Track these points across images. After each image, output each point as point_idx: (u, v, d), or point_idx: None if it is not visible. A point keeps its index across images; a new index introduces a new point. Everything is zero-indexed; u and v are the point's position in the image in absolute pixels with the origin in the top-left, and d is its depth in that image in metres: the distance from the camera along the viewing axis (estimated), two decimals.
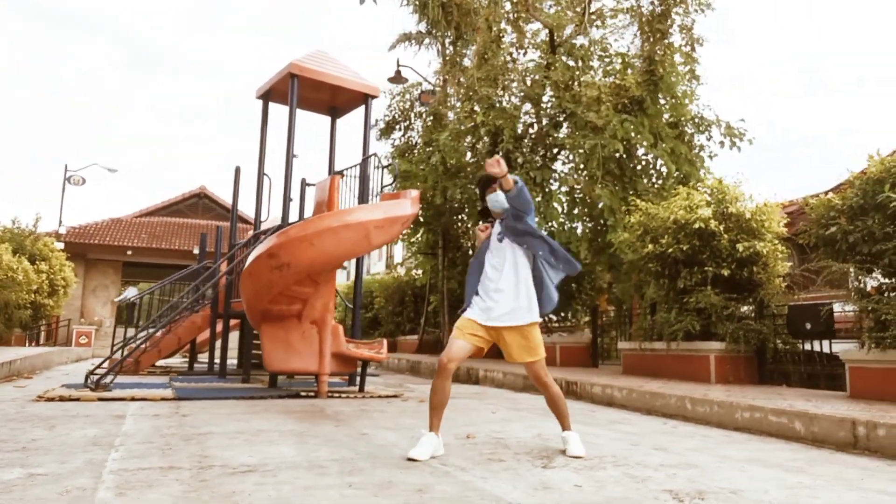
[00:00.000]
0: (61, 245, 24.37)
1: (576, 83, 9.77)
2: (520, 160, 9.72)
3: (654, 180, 11.14)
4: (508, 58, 10.65)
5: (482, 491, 2.69)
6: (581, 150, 9.58)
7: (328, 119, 9.01)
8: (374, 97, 8.07)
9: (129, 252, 27.77)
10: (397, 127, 16.44)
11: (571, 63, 10.41)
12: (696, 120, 11.55)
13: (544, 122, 10.43)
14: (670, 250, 7.67)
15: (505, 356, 3.67)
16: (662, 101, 10.84)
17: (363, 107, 8.19)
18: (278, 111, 8.61)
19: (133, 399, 5.79)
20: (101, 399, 5.71)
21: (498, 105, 10.05)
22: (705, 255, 7.62)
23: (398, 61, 14.86)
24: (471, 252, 13.49)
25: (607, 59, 10.66)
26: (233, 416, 4.91)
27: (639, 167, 11.10)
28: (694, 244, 7.62)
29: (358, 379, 7.10)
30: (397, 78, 14.92)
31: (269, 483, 2.72)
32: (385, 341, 7.12)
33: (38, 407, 5.13)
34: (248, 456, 3.29)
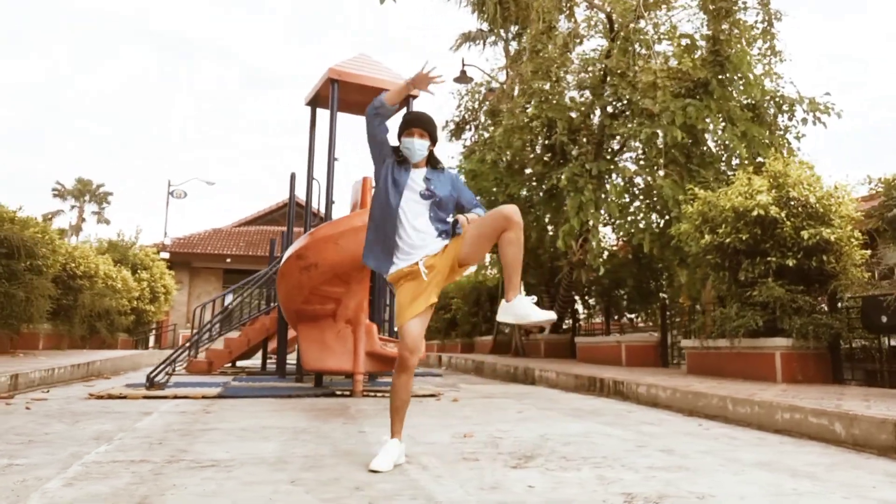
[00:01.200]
0: (166, 255, 26.17)
1: (632, 69, 9.35)
2: (574, 152, 9.41)
3: (727, 166, 10.52)
4: (563, 48, 10.35)
5: (421, 490, 2.59)
6: (639, 139, 9.17)
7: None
8: (414, 97, 8.07)
9: (229, 260, 29.37)
10: (468, 127, 16.44)
11: (632, 48, 9.98)
12: (777, 99, 10.82)
13: (603, 111, 10.06)
14: (728, 240, 7.18)
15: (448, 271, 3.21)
16: (736, 81, 10.21)
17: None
18: (345, 118, 8.84)
19: (175, 397, 6.07)
20: (146, 397, 6.03)
21: (551, 97, 9.80)
22: (768, 245, 7.08)
23: (463, 61, 14.85)
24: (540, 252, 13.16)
25: (669, 42, 10.13)
26: (255, 413, 5.03)
27: (710, 154, 10.51)
28: (755, 233, 7.10)
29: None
30: (462, 78, 14.90)
31: (217, 478, 2.75)
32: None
33: (83, 404, 5.47)
34: (225, 452, 3.34)
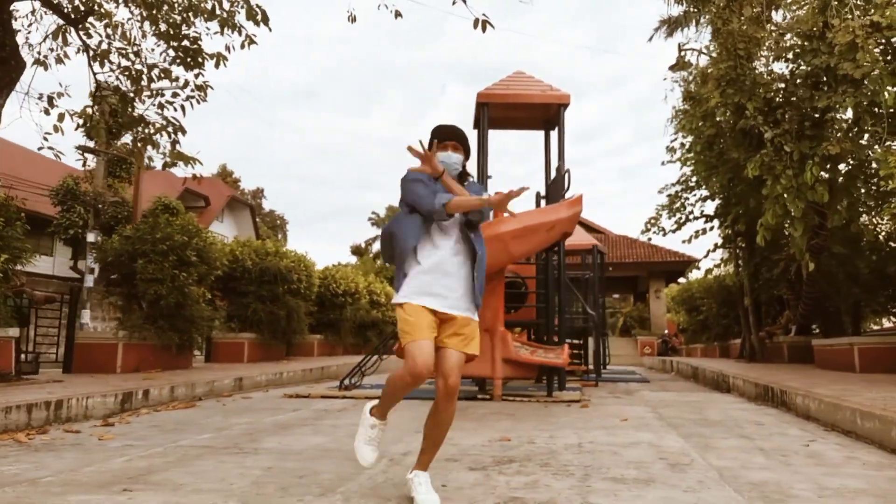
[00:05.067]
0: None
1: (830, 28, 8.01)
2: (769, 135, 8.38)
3: None
4: (755, 17, 9.23)
5: (334, 478, 3.01)
6: (839, 111, 7.88)
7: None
8: (565, 106, 8.17)
9: None
10: None
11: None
12: None
13: (805, 81, 8.76)
14: None
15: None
16: None
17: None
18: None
19: (343, 397, 7.14)
20: (323, 396, 7.20)
21: (740, 77, 8.82)
22: None
23: (679, 46, 13.97)
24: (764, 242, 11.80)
25: None
26: None
27: None
28: None
29: (554, 383, 7.29)
30: (679, 64, 14.02)
31: (226, 460, 3.51)
32: (567, 347, 7.15)
33: (271, 401, 6.81)
34: (277, 443, 4.11)
